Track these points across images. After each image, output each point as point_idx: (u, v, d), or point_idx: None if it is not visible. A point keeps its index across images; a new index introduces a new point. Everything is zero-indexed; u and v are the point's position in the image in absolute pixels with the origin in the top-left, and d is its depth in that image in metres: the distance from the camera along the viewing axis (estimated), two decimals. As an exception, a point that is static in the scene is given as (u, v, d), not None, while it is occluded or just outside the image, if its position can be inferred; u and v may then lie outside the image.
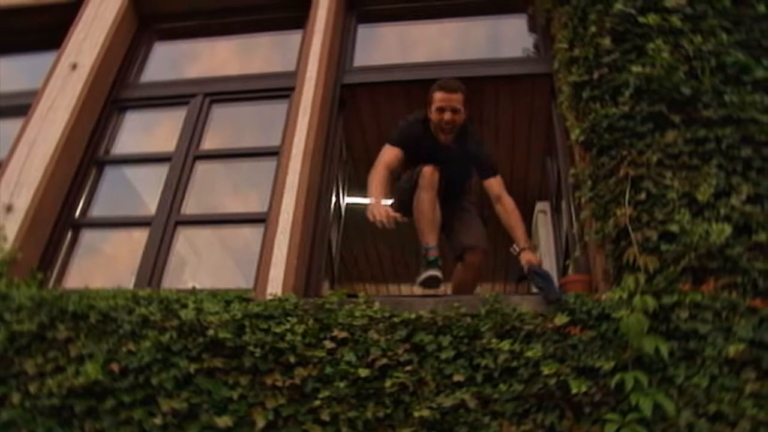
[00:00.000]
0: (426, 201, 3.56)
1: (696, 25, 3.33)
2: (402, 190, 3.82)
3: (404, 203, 3.74)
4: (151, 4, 4.81)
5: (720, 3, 3.40)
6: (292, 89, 4.07)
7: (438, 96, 3.68)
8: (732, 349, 2.54)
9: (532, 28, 4.37)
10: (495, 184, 3.78)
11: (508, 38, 4.61)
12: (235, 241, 4.36)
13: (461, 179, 3.97)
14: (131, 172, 4.57)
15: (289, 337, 2.89)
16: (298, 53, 4.28)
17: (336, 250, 4.29)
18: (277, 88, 4.28)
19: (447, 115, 3.67)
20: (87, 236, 4.14)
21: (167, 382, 2.88)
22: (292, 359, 2.85)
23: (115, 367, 2.94)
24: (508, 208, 3.68)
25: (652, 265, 2.77)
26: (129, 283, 3.66)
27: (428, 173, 3.56)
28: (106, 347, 3.01)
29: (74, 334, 3.08)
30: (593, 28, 3.46)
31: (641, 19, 3.36)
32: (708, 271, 2.74)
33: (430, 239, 3.59)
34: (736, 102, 3.09)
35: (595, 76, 3.34)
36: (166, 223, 3.86)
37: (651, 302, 2.63)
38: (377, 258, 7.42)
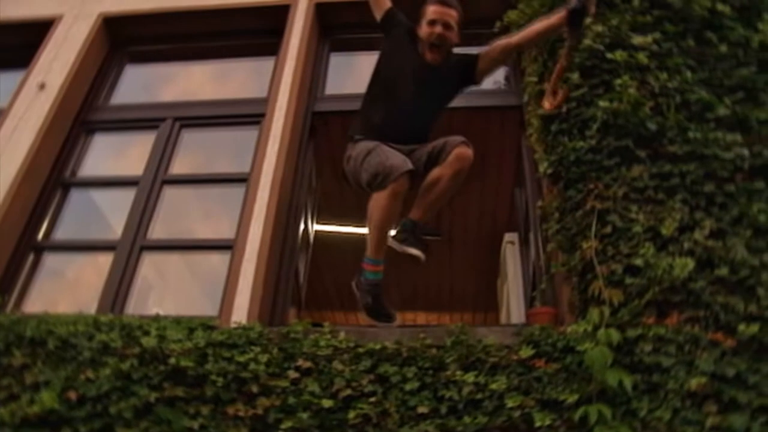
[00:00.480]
0: (389, 210, 3.03)
1: (662, 62, 3.39)
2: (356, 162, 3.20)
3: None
4: (124, 26, 4.79)
5: (685, 42, 3.48)
6: (262, 116, 4.06)
7: (431, 8, 3.28)
8: (694, 383, 2.55)
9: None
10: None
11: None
12: (201, 267, 4.31)
13: (430, 115, 3.43)
14: (98, 196, 4.51)
15: (252, 366, 2.84)
16: (270, 80, 4.28)
17: (303, 278, 4.26)
18: (247, 115, 4.27)
19: (438, 28, 3.23)
20: (50, 259, 4.07)
21: (126, 411, 2.81)
22: (255, 389, 2.80)
23: (72, 395, 2.86)
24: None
25: (616, 299, 2.79)
26: (91, 308, 3.59)
27: (404, 184, 3.01)
28: (63, 374, 2.93)
29: (31, 360, 3.00)
30: (562, 63, 3.50)
31: (609, 56, 3.41)
32: (671, 304, 2.75)
33: (380, 252, 3.20)
34: (700, 138, 3.14)
35: (564, 109, 3.38)
36: (132, 248, 3.80)
37: (615, 335, 2.64)
38: (346, 286, 7.38)
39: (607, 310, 2.75)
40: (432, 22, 3.26)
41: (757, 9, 3.59)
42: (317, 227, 4.74)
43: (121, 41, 4.86)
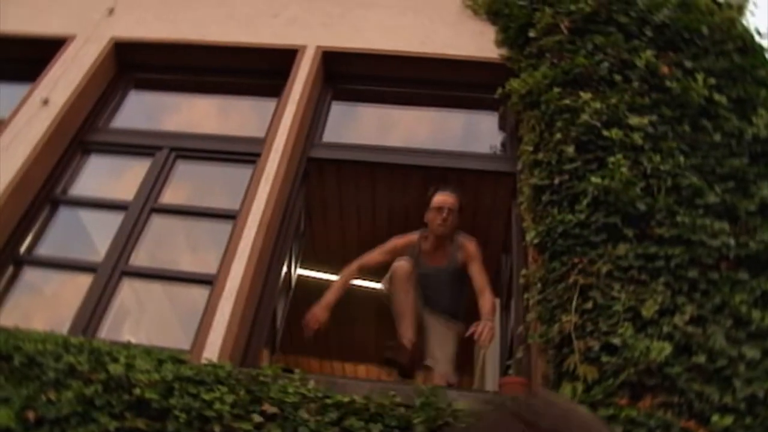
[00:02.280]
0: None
1: (656, 144, 3.44)
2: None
3: None
4: (133, 52, 4.84)
5: (680, 127, 3.53)
6: (258, 155, 4.07)
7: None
8: (661, 471, 2.51)
9: (502, 126, 4.48)
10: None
11: (478, 134, 4.72)
12: (180, 299, 4.28)
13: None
14: (86, 216, 4.50)
15: (217, 405, 2.79)
16: (270, 121, 4.31)
17: (281, 322, 4.22)
18: (243, 152, 4.28)
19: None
20: (29, 274, 4.02)
21: (84, 438, 2.74)
22: (217, 429, 2.74)
23: (30, 415, 2.79)
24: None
25: (591, 376, 2.76)
26: (64, 328, 3.53)
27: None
28: (25, 393, 2.86)
29: (-7, 375, 2.94)
30: (559, 135, 3.54)
31: (605, 133, 3.46)
32: (646, 387, 2.72)
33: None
34: (688, 223, 3.15)
35: (556, 181, 3.41)
36: (112, 272, 3.76)
37: (586, 413, 2.61)
38: (324, 333, 7.30)
39: (580, 387, 2.72)
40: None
41: (752, 102, 3.67)
42: (300, 272, 4.72)
43: (129, 66, 4.90)
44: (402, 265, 3.88)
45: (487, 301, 3.75)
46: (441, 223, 4.02)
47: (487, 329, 3.58)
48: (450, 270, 4.06)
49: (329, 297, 3.88)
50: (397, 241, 4.21)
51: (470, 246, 4.09)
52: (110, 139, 4.55)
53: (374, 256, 4.16)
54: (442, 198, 4.08)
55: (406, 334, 3.80)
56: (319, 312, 3.79)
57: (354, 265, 4.06)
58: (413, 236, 4.20)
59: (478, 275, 3.94)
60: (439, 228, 4.05)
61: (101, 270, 3.77)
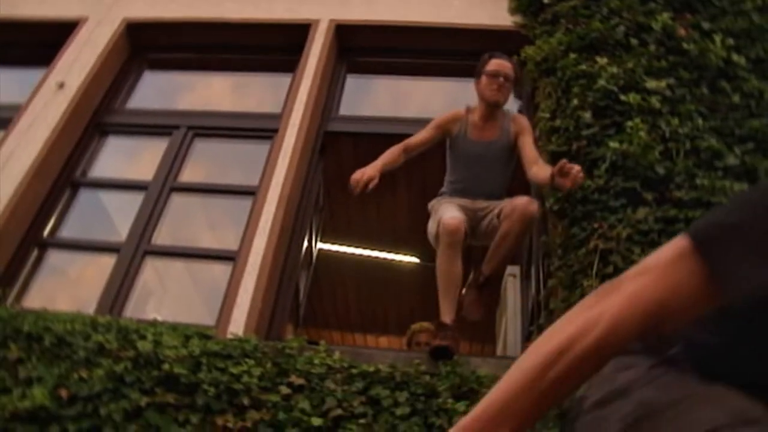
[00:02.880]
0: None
1: (674, 108, 3.42)
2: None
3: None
4: (146, 32, 4.85)
5: (698, 89, 3.50)
6: (275, 131, 4.09)
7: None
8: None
9: (518, 95, 4.45)
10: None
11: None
12: (203, 276, 4.33)
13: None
14: (106, 197, 4.55)
15: (245, 378, 2.84)
16: (285, 97, 4.32)
17: (303, 296, 4.26)
18: (260, 129, 4.31)
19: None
20: (53, 256, 4.09)
21: (116, 413, 2.80)
22: (246, 401, 2.80)
23: (64, 393, 2.86)
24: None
25: (613, 339, 2.78)
26: (90, 308, 3.60)
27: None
28: (57, 372, 2.94)
29: (26, 355, 3.00)
30: (575, 101, 3.53)
31: (622, 97, 3.44)
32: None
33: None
34: (707, 186, 3.15)
35: (574, 147, 3.40)
36: (135, 252, 3.82)
37: (610, 376, 2.63)
38: (345, 306, 7.39)
39: (603, 350, 2.74)
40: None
41: (772, 62, 3.63)
42: (321, 246, 4.76)
43: (142, 47, 4.92)
44: (452, 222, 3.19)
45: (543, 169, 3.25)
46: (497, 89, 3.50)
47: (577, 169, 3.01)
48: (503, 144, 3.57)
49: (378, 162, 3.46)
50: (441, 117, 3.72)
51: (522, 119, 3.65)
52: (127, 120, 4.58)
53: (420, 135, 3.68)
54: (498, 63, 3.57)
55: (448, 311, 3.19)
56: (369, 170, 3.34)
57: (400, 146, 3.58)
58: (459, 110, 3.71)
59: (530, 147, 3.47)
60: (494, 95, 3.52)
61: (124, 250, 3.82)
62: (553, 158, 3.46)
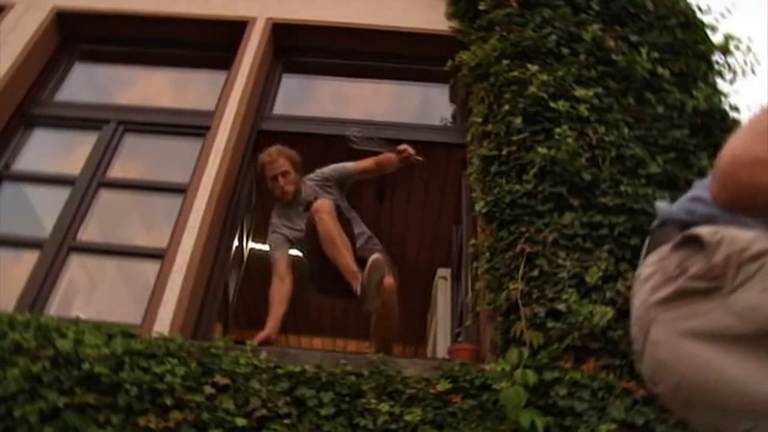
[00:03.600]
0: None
1: (601, 116, 3.51)
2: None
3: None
4: (77, 23, 4.72)
5: (625, 99, 3.61)
6: (207, 128, 4.03)
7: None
8: (604, 429, 2.59)
9: (453, 99, 4.51)
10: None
11: (430, 106, 4.75)
12: (132, 274, 4.23)
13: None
14: (32, 192, 4.39)
15: (168, 378, 2.78)
16: (219, 94, 4.27)
17: (234, 295, 4.21)
18: (193, 125, 4.24)
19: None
20: (-29, 252, 3.93)
21: (31, 414, 2.69)
22: (168, 402, 2.74)
23: (-24, 394, 2.75)
24: None
25: (537, 341, 2.84)
26: (10, 306, 3.47)
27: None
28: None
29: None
30: (507, 107, 3.59)
31: (552, 104, 3.52)
32: (589, 351, 2.82)
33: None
34: (631, 193, 3.24)
35: (504, 152, 3.46)
36: (59, 248, 3.70)
37: (532, 376, 2.68)
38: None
39: (526, 351, 2.80)
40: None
41: (693, 76, 3.78)
42: (253, 245, 4.70)
43: (73, 38, 4.78)
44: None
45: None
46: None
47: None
48: None
49: None
50: None
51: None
52: (55, 113, 4.44)
53: None
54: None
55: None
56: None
57: None
58: None
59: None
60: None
61: (47, 246, 3.70)
62: (483, 162, 3.51)
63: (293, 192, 3.85)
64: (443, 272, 4.70)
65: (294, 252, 3.88)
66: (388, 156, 3.88)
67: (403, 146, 3.86)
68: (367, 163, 3.95)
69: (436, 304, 4.58)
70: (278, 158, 3.82)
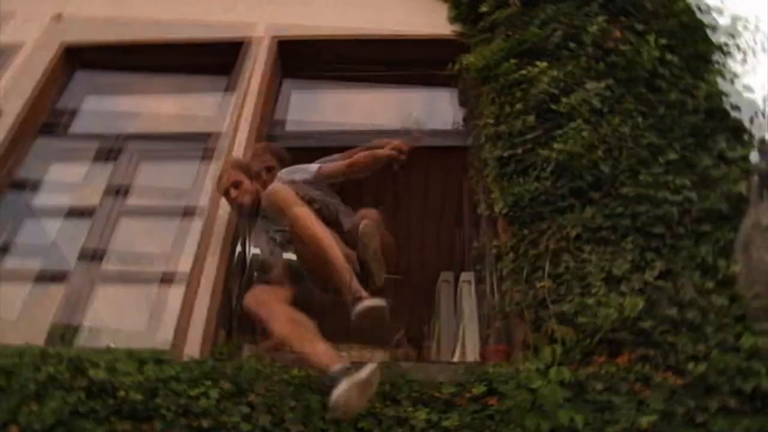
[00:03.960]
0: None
1: (613, 108, 3.50)
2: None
3: None
4: (84, 56, 4.79)
5: (636, 88, 3.60)
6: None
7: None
8: (644, 421, 2.57)
9: (462, 102, 4.51)
10: None
11: (438, 111, 4.74)
12: (156, 299, 4.24)
13: None
14: (52, 226, 4.44)
15: (203, 401, 2.79)
16: (229, 115, 4.29)
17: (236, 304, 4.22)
18: (207, 149, 4.25)
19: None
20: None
21: (70, 446, 2.72)
22: (205, 424, 2.74)
23: (14, 429, 2.76)
24: None
25: (569, 337, 2.82)
26: (40, 340, 3.49)
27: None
28: (6, 407, 2.83)
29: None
30: (518, 106, 3.60)
31: (563, 100, 3.52)
32: (622, 343, 2.80)
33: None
34: (651, 182, 3.23)
35: (519, 151, 3.46)
36: (85, 279, 3.73)
37: (567, 374, 2.67)
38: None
39: (559, 349, 2.78)
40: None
41: (704, 60, 3.75)
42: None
43: (83, 70, 4.83)
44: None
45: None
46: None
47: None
48: None
49: None
50: None
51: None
52: (71, 146, 4.50)
53: None
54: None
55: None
56: None
57: None
58: None
59: None
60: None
61: (74, 278, 3.73)
62: (500, 163, 3.50)
63: (251, 201, 3.50)
64: (466, 276, 4.68)
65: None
66: (365, 155, 3.56)
67: (398, 143, 3.54)
68: (336, 166, 3.61)
69: (463, 308, 4.56)
70: (229, 170, 3.60)
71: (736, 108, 3.56)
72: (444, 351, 4.45)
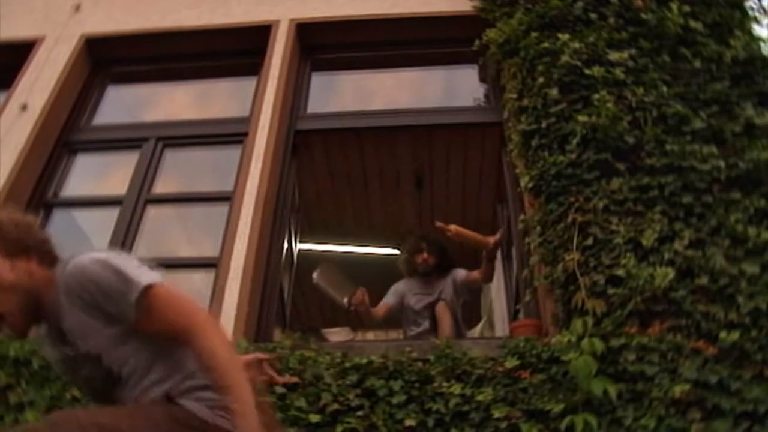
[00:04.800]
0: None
1: (638, 77, 3.47)
2: None
3: None
4: (106, 47, 4.80)
5: (660, 57, 3.56)
6: (245, 135, 4.08)
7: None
8: (678, 390, 2.58)
9: (483, 78, 4.49)
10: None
11: (460, 88, 4.73)
12: (184, 286, 4.29)
13: None
14: (81, 216, 4.49)
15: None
16: (252, 99, 4.31)
17: (288, 297, 4.26)
18: (230, 134, 4.28)
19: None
20: (32, 281, 4.02)
21: None
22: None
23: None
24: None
25: (599, 309, 2.82)
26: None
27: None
28: (48, 394, 2.91)
29: (15, 380, 2.96)
30: (541, 79, 3.57)
31: (587, 71, 3.48)
32: (653, 314, 2.79)
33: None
34: (677, 151, 3.20)
35: (543, 125, 3.44)
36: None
37: (599, 345, 2.67)
38: (330, 304, 7.37)
39: (590, 321, 2.78)
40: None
41: (728, 26, 3.70)
42: (300, 246, 4.76)
43: (104, 62, 4.86)
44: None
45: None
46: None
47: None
48: None
49: None
50: None
51: None
52: (95, 137, 4.53)
53: None
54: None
55: None
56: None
57: None
58: None
59: None
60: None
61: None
62: (523, 137, 3.49)
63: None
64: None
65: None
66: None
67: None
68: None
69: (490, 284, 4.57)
70: None
71: (766, 73, 3.51)
72: (498, 325, 4.50)
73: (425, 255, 4.45)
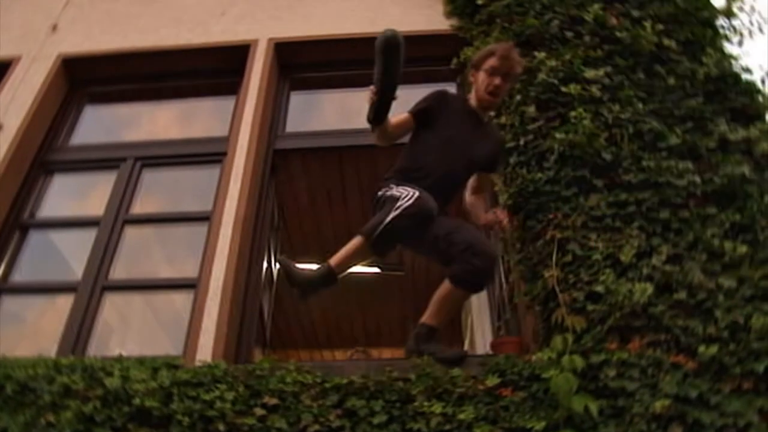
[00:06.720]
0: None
1: (614, 95, 3.51)
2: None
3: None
4: (83, 67, 4.78)
5: (635, 75, 3.61)
6: (224, 155, 4.07)
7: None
8: (658, 405, 2.58)
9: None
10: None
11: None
12: (164, 307, 4.26)
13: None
14: (58, 237, 4.44)
15: (218, 404, 2.80)
16: (231, 119, 4.30)
17: (268, 317, 4.23)
18: (209, 153, 4.27)
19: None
20: (7, 303, 3.97)
21: (88, 455, 2.74)
22: (221, 427, 2.76)
23: (32, 441, 2.78)
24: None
25: (579, 326, 2.83)
26: (51, 351, 3.51)
27: None
28: (22, 419, 2.85)
29: (-12, 406, 2.91)
30: (518, 97, 3.60)
31: (563, 89, 3.52)
32: (633, 329, 2.81)
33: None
34: (653, 167, 3.24)
35: (521, 142, 3.46)
36: (93, 289, 3.74)
37: (579, 362, 2.67)
38: (310, 324, 7.35)
39: (570, 337, 2.79)
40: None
41: (700, 44, 3.77)
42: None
43: (81, 81, 4.84)
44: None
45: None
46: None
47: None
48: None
49: None
50: None
51: None
52: (72, 157, 4.50)
53: None
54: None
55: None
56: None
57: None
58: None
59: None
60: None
61: (81, 288, 3.74)
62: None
63: None
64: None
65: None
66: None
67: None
68: None
69: (470, 300, 4.57)
70: None
71: (737, 89, 3.56)
72: (479, 345, 4.45)
73: None
